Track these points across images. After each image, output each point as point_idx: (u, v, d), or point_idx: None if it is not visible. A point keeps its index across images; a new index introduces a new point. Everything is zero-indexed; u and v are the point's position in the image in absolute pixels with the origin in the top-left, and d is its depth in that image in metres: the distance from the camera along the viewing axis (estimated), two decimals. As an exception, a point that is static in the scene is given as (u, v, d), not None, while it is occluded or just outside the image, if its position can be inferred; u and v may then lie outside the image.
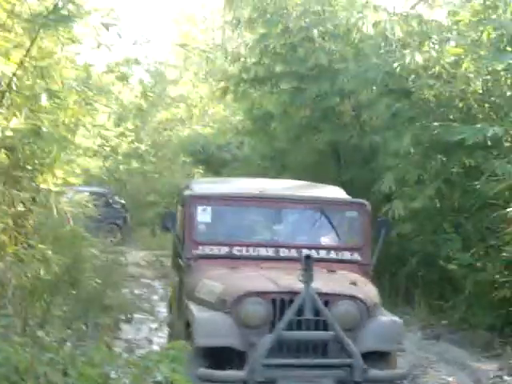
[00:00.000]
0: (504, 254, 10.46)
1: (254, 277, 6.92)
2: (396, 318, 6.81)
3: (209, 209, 7.46)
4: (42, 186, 8.82)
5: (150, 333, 10.57)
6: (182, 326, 7.03)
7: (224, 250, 7.35)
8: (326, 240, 7.65)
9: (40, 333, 5.76)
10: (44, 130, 8.96)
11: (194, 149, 22.08)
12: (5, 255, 8.39)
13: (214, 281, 6.88)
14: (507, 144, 10.93)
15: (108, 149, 22.95)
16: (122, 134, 25.23)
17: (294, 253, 7.34)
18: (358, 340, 6.52)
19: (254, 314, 6.45)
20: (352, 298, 6.61)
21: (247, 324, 6.46)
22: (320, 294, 6.43)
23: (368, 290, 6.93)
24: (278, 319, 6.44)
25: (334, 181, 14.17)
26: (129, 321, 11.18)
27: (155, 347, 9.69)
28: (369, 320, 6.64)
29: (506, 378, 8.91)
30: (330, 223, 7.64)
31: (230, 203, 7.53)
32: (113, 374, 3.58)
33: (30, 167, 8.71)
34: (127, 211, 22.12)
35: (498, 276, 10.65)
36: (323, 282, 6.63)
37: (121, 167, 24.73)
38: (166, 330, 10.70)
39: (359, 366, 6.35)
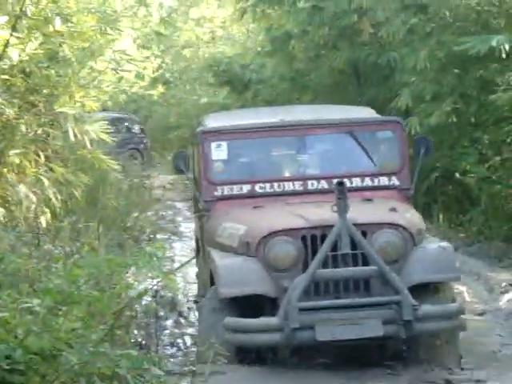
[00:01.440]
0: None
1: (279, 214, 6.31)
2: (446, 244, 6.25)
3: (224, 144, 6.77)
4: (60, 109, 8.99)
5: (170, 251, 10.83)
6: (207, 276, 6.49)
7: (245, 188, 6.71)
8: (359, 166, 6.93)
9: (48, 246, 5.98)
10: (60, 54, 9.13)
11: (217, 69, 22.05)
12: (25, 178, 8.64)
13: (235, 223, 6.31)
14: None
15: (132, 74, 23.01)
16: (147, 59, 25.26)
17: (324, 184, 6.71)
18: (405, 273, 5.90)
19: (282, 254, 5.87)
20: (393, 225, 5.99)
21: (276, 267, 5.87)
22: (357, 225, 5.79)
23: (411, 216, 6.30)
24: (310, 258, 5.82)
25: (354, 101, 14.30)
26: (151, 240, 11.46)
27: (176, 264, 9.95)
28: (414, 249, 6.01)
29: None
30: (362, 147, 6.86)
31: (247, 136, 6.84)
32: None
33: (46, 91, 8.86)
34: (146, 136, 22.27)
35: (512, 188, 10.77)
36: (359, 211, 5.99)
37: (146, 93, 24.83)
38: (188, 249, 11.00)
39: (408, 302, 5.67)
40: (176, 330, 7.44)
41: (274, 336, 5.67)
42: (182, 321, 7.68)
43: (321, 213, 6.00)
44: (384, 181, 6.80)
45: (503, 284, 9.16)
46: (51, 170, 9.11)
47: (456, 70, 11.91)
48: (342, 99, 14.44)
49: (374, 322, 5.69)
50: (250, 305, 5.89)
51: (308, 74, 16.22)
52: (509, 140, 11.12)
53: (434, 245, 6.17)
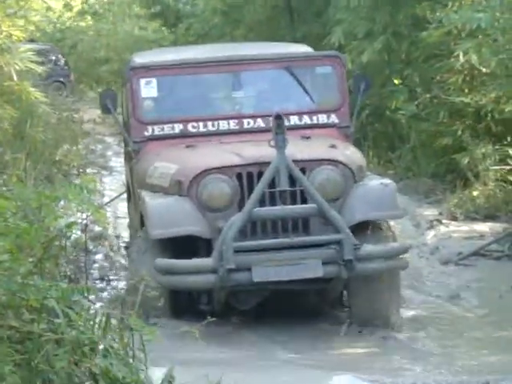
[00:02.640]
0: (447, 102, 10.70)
1: (213, 152, 6.05)
2: (387, 181, 6.05)
3: (154, 81, 6.42)
4: (-15, 39, 8.75)
5: (101, 185, 10.72)
6: (138, 222, 6.28)
7: (177, 127, 6.38)
8: (297, 104, 6.66)
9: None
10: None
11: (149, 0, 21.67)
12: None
13: (166, 162, 6.02)
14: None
15: (59, 3, 22.46)
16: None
17: (260, 123, 6.40)
18: (345, 211, 5.67)
19: (216, 193, 5.62)
20: (333, 162, 5.77)
21: (210, 206, 5.63)
22: (295, 162, 5.52)
23: (351, 153, 6.10)
24: (247, 197, 5.57)
25: (287, 37, 14.25)
26: (80, 174, 11.32)
27: (106, 199, 9.87)
28: (355, 186, 5.80)
29: (444, 221, 9.28)
30: (300, 84, 6.57)
31: (178, 72, 6.48)
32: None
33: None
34: (70, 68, 21.84)
35: (441, 126, 10.91)
36: (297, 148, 5.77)
37: (74, 24, 24.29)
38: (118, 184, 10.91)
39: (349, 241, 5.43)
40: (105, 264, 7.41)
41: (209, 277, 5.42)
42: (112, 254, 7.64)
43: (257, 149, 5.76)
44: (323, 118, 6.53)
45: (429, 219, 9.36)
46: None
47: (388, 8, 11.94)
48: (274, 35, 14.37)
49: (314, 262, 5.45)
50: (184, 246, 5.64)
51: (241, 8, 16.05)
52: (438, 77, 11.23)
53: (375, 182, 5.97)
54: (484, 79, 10.37)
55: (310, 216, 5.64)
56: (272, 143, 5.40)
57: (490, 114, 10.24)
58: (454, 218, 9.33)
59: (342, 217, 5.56)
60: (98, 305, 5.57)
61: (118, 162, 12.54)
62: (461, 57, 9.90)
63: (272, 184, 5.50)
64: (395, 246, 5.83)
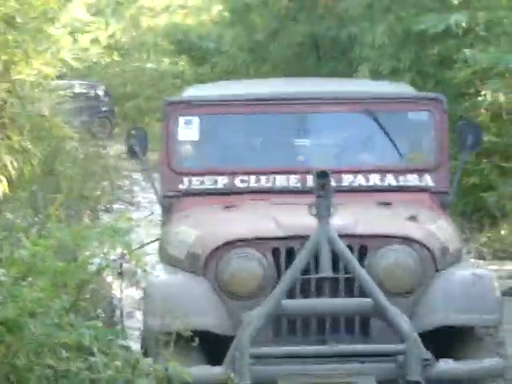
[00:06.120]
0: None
1: (249, 217, 4.62)
2: (483, 271, 4.52)
3: (195, 120, 5.10)
4: (17, 76, 8.90)
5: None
6: None
7: (221, 181, 5.01)
8: (380, 158, 5.22)
9: (8, 215, 5.89)
10: (17, 19, 9.01)
11: (175, 37, 21.86)
12: (-19, 147, 8.54)
13: (190, 227, 4.66)
14: (481, 32, 11.00)
15: (87, 39, 22.73)
16: (102, 26, 25.00)
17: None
18: (420, 310, 4.23)
19: (242, 275, 4.21)
20: (406, 240, 4.28)
21: (233, 292, 4.23)
22: (351, 237, 4.18)
23: (437, 229, 4.56)
24: None
25: (314, 74, 14.37)
26: (108, 210, 11.40)
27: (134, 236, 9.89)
28: (437, 276, 4.31)
29: (472, 260, 9.25)
30: (385, 132, 5.09)
31: (226, 110, 5.14)
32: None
33: (3, 57, 8.75)
34: (115, 105, 22.04)
35: (468, 165, 10.91)
36: (361, 217, 4.40)
37: (102, 60, 24.57)
38: (145, 220, 10.96)
39: (416, 354, 3.98)
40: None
41: None
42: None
43: (303, 217, 4.22)
44: (413, 180, 5.04)
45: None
46: (8, 137, 9.01)
47: (414, 46, 12.02)
48: (301, 72, 14.48)
49: (364, 381, 4.03)
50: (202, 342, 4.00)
51: (267, 45, 16.22)
52: (465, 116, 11.24)
53: (465, 272, 4.42)
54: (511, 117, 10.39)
55: (362, 315, 4.20)
56: (313, 210, 4.07)
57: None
58: (482, 257, 9.30)
59: (416, 318, 4.17)
60: (132, 344, 5.58)
61: (144, 198, 12.61)
62: (488, 96, 9.93)
63: (310, 266, 4.16)
64: (486, 365, 4.19)
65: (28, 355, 3.21)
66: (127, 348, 3.42)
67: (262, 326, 4.03)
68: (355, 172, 4.94)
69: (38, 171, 9.52)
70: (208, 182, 5.03)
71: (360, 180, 4.95)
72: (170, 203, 5.03)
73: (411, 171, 5.05)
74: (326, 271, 4.06)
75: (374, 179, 5.02)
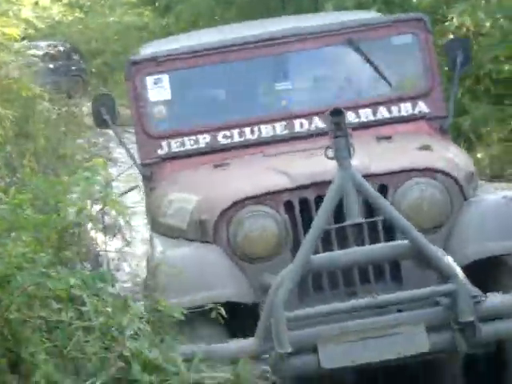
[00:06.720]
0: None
1: (250, 172, 4.29)
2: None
3: (165, 78, 4.73)
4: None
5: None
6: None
7: (202, 140, 4.68)
8: (368, 91, 4.88)
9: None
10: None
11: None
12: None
13: (184, 192, 4.33)
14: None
15: None
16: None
17: (318, 124, 4.65)
18: (454, 245, 3.89)
19: (257, 234, 3.88)
20: (428, 171, 3.95)
21: (249, 255, 3.91)
22: (369, 177, 3.74)
23: (454, 156, 4.28)
24: (303, 237, 3.76)
25: (279, 15, 14.20)
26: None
27: (115, 190, 9.86)
28: (465, 205, 3.97)
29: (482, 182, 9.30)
30: (370, 62, 4.76)
31: (198, 62, 4.73)
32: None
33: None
34: (86, 62, 21.78)
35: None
36: (372, 155, 4.06)
37: (64, 19, 24.25)
38: (123, 175, 10.91)
39: (465, 292, 3.55)
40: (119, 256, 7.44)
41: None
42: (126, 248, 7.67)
43: (313, 163, 4.01)
44: (407, 108, 4.75)
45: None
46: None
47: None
48: (266, 14, 14.32)
49: (413, 331, 3.59)
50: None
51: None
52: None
53: (494, 196, 4.12)
54: (479, 40, 10.38)
55: (400, 258, 3.81)
56: (330, 153, 3.60)
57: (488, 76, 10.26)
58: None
59: (451, 255, 3.75)
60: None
61: (121, 153, 12.55)
62: (455, 20, 9.91)
63: (337, 214, 3.72)
64: None
65: (20, 309, 3.23)
66: (117, 294, 3.44)
67: (294, 286, 3.59)
68: (344, 109, 4.40)
69: (11, 133, 9.45)
70: (189, 143, 4.71)
71: (351, 117, 4.56)
72: (151, 171, 4.71)
73: (403, 100, 4.75)
74: (354, 217, 3.61)
75: (367, 114, 4.72)
